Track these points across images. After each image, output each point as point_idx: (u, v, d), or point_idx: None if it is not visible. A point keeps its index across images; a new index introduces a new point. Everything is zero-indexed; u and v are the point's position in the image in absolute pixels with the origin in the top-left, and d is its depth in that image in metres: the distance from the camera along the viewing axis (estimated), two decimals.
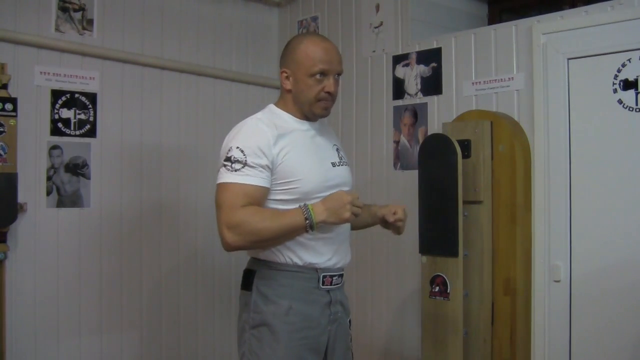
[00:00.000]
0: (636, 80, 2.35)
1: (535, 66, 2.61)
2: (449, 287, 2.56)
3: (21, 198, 2.83)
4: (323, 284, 1.92)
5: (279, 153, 1.85)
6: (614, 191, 2.42)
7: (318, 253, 1.90)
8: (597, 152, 2.46)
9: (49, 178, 2.96)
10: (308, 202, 1.82)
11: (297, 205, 1.83)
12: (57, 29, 2.99)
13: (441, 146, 2.59)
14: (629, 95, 2.38)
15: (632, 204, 2.37)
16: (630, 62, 2.36)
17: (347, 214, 1.80)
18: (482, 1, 3.52)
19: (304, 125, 1.97)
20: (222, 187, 1.82)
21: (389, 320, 3.23)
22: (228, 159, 1.82)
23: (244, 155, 1.81)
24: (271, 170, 1.85)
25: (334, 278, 1.96)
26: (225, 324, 3.53)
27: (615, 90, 2.40)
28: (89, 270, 3.08)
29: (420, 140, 3.00)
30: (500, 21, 3.35)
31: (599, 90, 2.44)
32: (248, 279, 1.94)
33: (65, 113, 3.01)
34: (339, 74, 1.95)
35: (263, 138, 1.84)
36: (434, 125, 3.01)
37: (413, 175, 2.87)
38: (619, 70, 2.39)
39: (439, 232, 2.58)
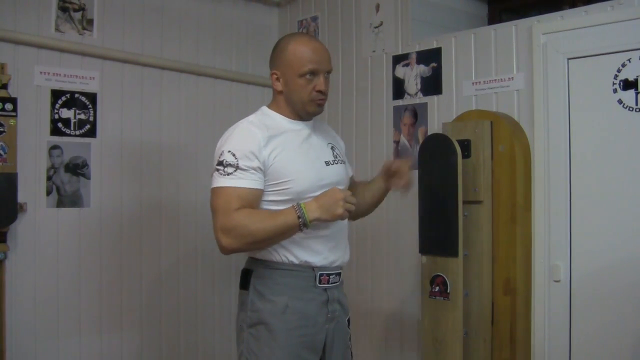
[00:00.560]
0: (636, 80, 2.35)
1: (535, 66, 2.61)
2: (449, 287, 2.56)
3: (21, 198, 2.83)
4: (320, 283, 1.93)
5: (269, 154, 1.85)
6: (614, 191, 2.42)
7: (314, 251, 1.91)
8: (597, 152, 2.46)
9: (49, 178, 2.96)
10: (301, 202, 1.82)
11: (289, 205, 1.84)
12: (57, 29, 2.99)
13: (441, 146, 2.59)
14: (629, 95, 2.37)
15: (632, 204, 2.37)
16: (630, 62, 2.36)
17: (340, 210, 1.80)
18: (482, 1, 3.52)
19: (297, 126, 1.98)
20: (215, 191, 1.84)
21: (388, 320, 3.23)
22: (220, 163, 1.84)
23: (236, 158, 1.82)
24: (263, 172, 1.85)
25: (331, 276, 1.96)
26: (225, 323, 3.53)
27: (615, 90, 2.40)
28: (89, 270, 3.08)
29: (420, 140, 3.00)
30: (500, 21, 3.34)
31: (599, 90, 2.44)
32: (245, 278, 1.96)
33: (65, 113, 3.01)
34: (328, 72, 1.96)
35: (254, 140, 1.85)
36: (434, 125, 3.01)
37: (413, 176, 2.86)
38: (619, 70, 2.39)
39: (439, 232, 2.58)
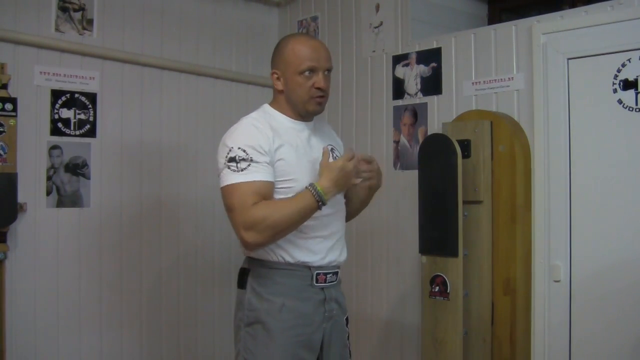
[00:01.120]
0: (636, 80, 2.35)
1: (535, 66, 2.61)
2: (449, 287, 2.56)
3: (21, 198, 2.83)
4: (317, 282, 1.93)
5: (275, 151, 1.86)
6: (614, 191, 2.42)
7: (311, 252, 1.92)
8: (597, 152, 2.46)
9: (49, 178, 2.96)
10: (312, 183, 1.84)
11: None
12: (57, 29, 2.99)
13: (441, 146, 2.59)
14: (629, 95, 2.37)
15: (632, 204, 2.37)
16: (630, 62, 2.36)
17: (354, 180, 1.88)
18: (482, 1, 3.52)
19: (298, 126, 1.98)
20: (230, 188, 1.82)
21: (388, 320, 3.23)
22: (232, 159, 1.82)
23: (247, 153, 1.82)
24: (272, 166, 1.86)
25: (328, 276, 1.96)
26: (224, 322, 3.52)
27: (615, 90, 2.40)
28: (89, 270, 3.08)
29: (420, 140, 3.00)
30: (500, 21, 3.34)
31: (599, 90, 2.44)
32: (243, 278, 1.96)
33: (65, 113, 3.01)
34: (328, 70, 1.96)
35: (262, 136, 1.86)
36: (434, 125, 3.01)
37: (413, 175, 2.87)
38: (618, 70, 2.39)
39: (439, 232, 2.58)
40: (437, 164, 2.59)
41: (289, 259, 1.90)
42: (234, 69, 3.65)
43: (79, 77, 3.05)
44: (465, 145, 2.61)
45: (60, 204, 2.99)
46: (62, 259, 3.00)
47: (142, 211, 3.27)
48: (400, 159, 3.18)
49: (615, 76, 2.40)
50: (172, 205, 3.38)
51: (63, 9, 3.01)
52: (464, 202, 2.56)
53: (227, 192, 1.83)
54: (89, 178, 3.09)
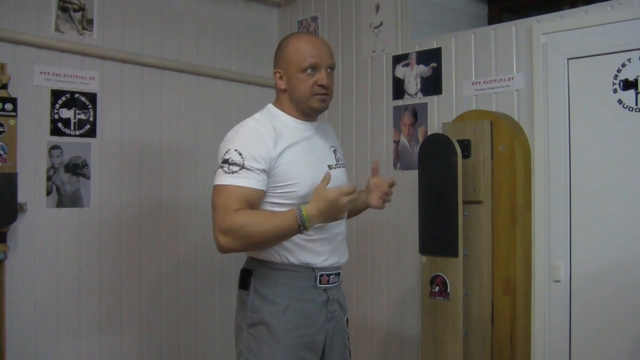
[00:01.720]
0: (636, 80, 2.35)
1: (535, 66, 2.61)
2: (449, 287, 2.56)
3: (21, 198, 2.83)
4: (320, 283, 1.93)
5: (277, 157, 1.85)
6: (614, 191, 2.42)
7: (315, 253, 1.91)
8: (597, 152, 2.46)
9: (49, 178, 2.96)
10: (302, 205, 1.79)
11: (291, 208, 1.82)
12: (57, 29, 2.99)
13: (441, 146, 2.59)
14: (629, 95, 2.37)
15: (632, 204, 2.37)
16: (630, 62, 2.36)
17: (342, 215, 1.81)
18: (482, 1, 3.52)
19: (302, 126, 1.97)
20: (218, 189, 1.83)
21: (388, 320, 3.23)
22: (225, 160, 1.82)
23: (242, 158, 1.81)
24: (268, 174, 1.84)
25: (331, 277, 1.96)
26: (224, 323, 3.52)
27: (615, 90, 2.40)
28: (89, 270, 3.08)
29: (420, 140, 3.00)
30: (500, 21, 3.35)
31: (599, 90, 2.44)
32: (245, 278, 1.95)
33: (65, 113, 3.01)
34: (331, 68, 1.94)
35: (262, 142, 1.84)
36: (434, 125, 3.01)
37: (413, 175, 2.87)
38: (618, 70, 2.39)
39: (439, 232, 2.58)
40: (437, 164, 2.59)
41: (293, 260, 1.89)
42: (234, 69, 3.65)
43: (79, 77, 3.05)
44: (465, 145, 2.61)
45: (60, 204, 2.99)
46: (62, 259, 3.00)
47: (142, 211, 3.27)
48: (400, 159, 3.18)
49: (615, 76, 2.40)
50: (172, 205, 3.38)
51: (63, 9, 3.01)
52: (464, 202, 2.56)
53: (215, 191, 1.84)
54: (89, 178, 3.09)
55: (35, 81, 2.92)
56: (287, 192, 1.86)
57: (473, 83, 2.87)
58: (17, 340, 2.83)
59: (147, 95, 3.30)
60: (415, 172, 2.76)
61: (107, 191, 3.14)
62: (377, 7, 3.30)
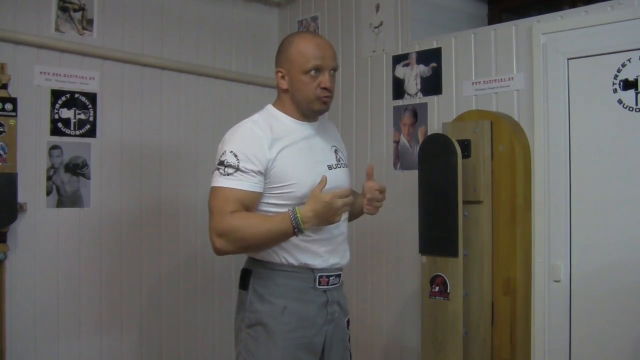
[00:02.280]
0: (636, 80, 2.35)
1: (535, 66, 2.61)
2: (449, 287, 2.56)
3: (21, 198, 2.83)
4: (319, 284, 1.92)
5: (273, 158, 1.84)
6: (614, 191, 2.42)
7: (314, 254, 1.90)
8: (597, 152, 2.46)
9: (48, 178, 2.96)
10: (297, 207, 1.79)
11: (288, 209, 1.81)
12: (57, 29, 2.99)
13: (441, 146, 2.59)
14: (629, 95, 2.37)
15: (632, 204, 2.37)
16: (630, 62, 2.36)
17: (337, 218, 1.80)
18: (482, 1, 3.52)
19: (301, 127, 1.96)
20: (214, 191, 1.83)
21: (388, 320, 3.23)
22: (221, 162, 1.83)
23: (237, 160, 1.81)
24: (264, 176, 1.84)
25: (331, 278, 1.95)
26: (225, 324, 3.52)
27: (615, 90, 2.40)
28: (89, 270, 3.08)
29: (420, 140, 3.00)
30: (500, 21, 3.35)
31: (599, 90, 2.44)
32: (245, 279, 1.95)
33: (65, 113, 3.01)
34: (334, 70, 1.93)
35: (257, 143, 1.83)
36: (434, 125, 3.01)
37: (413, 175, 2.87)
38: (619, 70, 2.39)
39: (439, 232, 2.58)
40: (437, 164, 2.59)
41: (292, 261, 1.89)
42: (234, 69, 3.65)
43: (79, 77, 3.05)
44: (465, 145, 2.61)
45: (60, 204, 2.99)
46: (62, 259, 3.00)
47: (142, 211, 3.27)
48: (400, 159, 3.18)
49: (615, 76, 2.40)
50: (172, 205, 3.38)
51: (63, 9, 3.01)
52: (464, 202, 2.56)
53: (211, 193, 1.84)
54: (89, 178, 3.08)
55: (35, 81, 2.92)
56: (285, 192, 1.86)
57: (473, 83, 2.87)
58: (17, 340, 2.83)
59: (147, 95, 3.30)
60: (415, 172, 2.76)
61: (107, 191, 3.14)
62: (377, 7, 3.30)
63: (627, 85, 2.37)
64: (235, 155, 1.81)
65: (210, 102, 3.55)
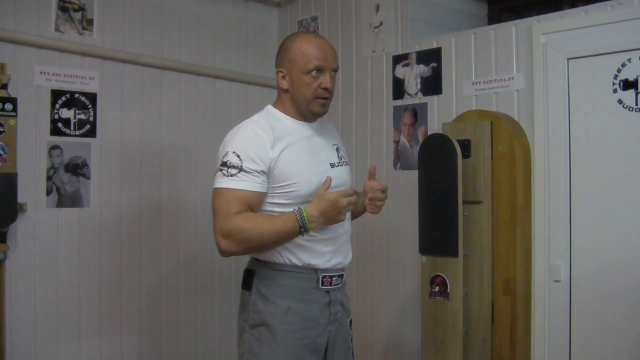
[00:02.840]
0: (636, 80, 2.35)
1: (535, 66, 2.61)
2: (448, 287, 2.56)
3: (21, 198, 2.83)
4: (322, 285, 1.92)
5: (275, 157, 1.84)
6: (614, 191, 2.42)
7: (317, 254, 1.90)
8: (597, 152, 2.46)
9: (48, 178, 2.96)
10: (302, 205, 1.80)
11: (292, 209, 1.82)
12: (57, 29, 2.99)
13: (441, 146, 2.59)
14: (629, 95, 2.37)
15: (632, 204, 2.37)
16: (630, 62, 2.36)
17: (342, 217, 1.81)
18: (482, 1, 3.52)
19: (302, 127, 1.96)
20: (217, 192, 1.82)
21: (388, 320, 3.23)
22: (224, 163, 1.82)
23: (240, 160, 1.81)
24: (267, 175, 1.84)
25: (334, 278, 1.96)
26: (225, 324, 3.52)
27: (615, 90, 2.40)
28: (89, 270, 3.08)
29: (420, 140, 3.00)
30: (500, 21, 3.35)
31: (599, 90, 2.44)
32: (248, 279, 1.95)
33: (65, 113, 3.01)
34: (334, 71, 1.94)
35: (259, 143, 1.83)
36: (434, 125, 3.01)
37: (413, 175, 2.87)
38: (619, 70, 2.39)
39: (439, 232, 2.58)
40: (437, 164, 2.59)
41: (295, 261, 1.89)
42: (234, 69, 3.65)
43: (79, 77, 3.06)
44: (465, 145, 2.61)
45: (60, 204, 2.99)
46: (62, 259, 3.00)
47: (142, 211, 3.27)
48: (400, 159, 3.18)
49: (615, 76, 2.40)
50: (172, 205, 3.38)
51: (63, 9, 3.01)
52: (464, 202, 2.56)
53: (214, 194, 1.83)
54: (89, 178, 3.09)
55: (35, 81, 2.92)
56: (288, 191, 1.86)
57: (473, 83, 2.87)
58: (17, 341, 2.83)
59: (147, 95, 3.30)
60: (415, 172, 2.76)
61: (107, 191, 3.14)
62: (377, 7, 3.30)
63: (627, 85, 2.37)
64: (238, 156, 1.81)
65: (210, 102, 3.55)
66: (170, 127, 3.39)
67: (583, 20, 2.49)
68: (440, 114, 3.00)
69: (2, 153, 2.76)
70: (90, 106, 3.09)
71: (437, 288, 2.59)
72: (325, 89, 1.91)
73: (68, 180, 3.02)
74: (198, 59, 3.50)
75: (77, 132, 3.05)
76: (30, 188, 2.89)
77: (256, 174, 1.81)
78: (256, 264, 1.95)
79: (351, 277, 3.29)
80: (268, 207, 1.87)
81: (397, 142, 3.20)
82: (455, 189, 2.52)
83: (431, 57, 3.05)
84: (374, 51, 3.32)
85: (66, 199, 3.01)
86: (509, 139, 2.59)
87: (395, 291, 3.19)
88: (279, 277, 1.90)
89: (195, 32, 3.50)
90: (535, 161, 2.60)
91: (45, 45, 2.93)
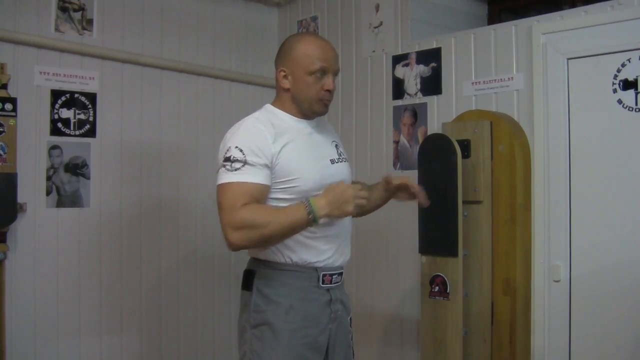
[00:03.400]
0: (636, 80, 2.35)
1: (535, 66, 2.61)
2: (448, 287, 2.56)
3: (21, 198, 2.83)
4: (323, 283, 1.93)
5: (277, 153, 1.84)
6: (614, 191, 2.42)
7: (319, 251, 1.91)
8: (597, 152, 2.46)
9: (48, 178, 2.96)
10: (310, 197, 1.80)
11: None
12: (57, 29, 2.99)
13: (441, 146, 2.59)
14: (628, 95, 2.38)
15: (632, 204, 2.37)
16: (630, 62, 2.36)
17: (350, 208, 1.78)
18: (482, 1, 3.52)
19: (301, 124, 1.97)
20: (222, 187, 1.81)
21: (388, 319, 3.23)
22: (227, 159, 1.81)
23: (243, 154, 1.80)
24: (270, 169, 1.84)
25: (334, 276, 1.96)
26: (225, 324, 3.53)
27: (615, 90, 2.40)
28: (89, 270, 3.08)
29: (420, 140, 3.00)
30: (500, 21, 3.35)
31: (599, 90, 2.44)
32: (248, 279, 1.95)
33: (65, 113, 3.01)
34: (336, 73, 1.96)
35: (261, 137, 1.84)
36: (434, 125, 3.01)
37: (413, 175, 2.85)
38: (618, 70, 2.39)
39: (439, 232, 2.57)
40: (437, 164, 2.59)
41: (296, 259, 1.89)
42: (234, 69, 3.65)
43: (78, 77, 3.06)
44: (465, 145, 2.61)
45: (60, 204, 2.99)
46: (62, 259, 3.00)
47: (142, 211, 3.27)
48: (400, 159, 3.18)
49: (615, 76, 2.40)
50: (172, 205, 3.38)
51: (63, 9, 3.01)
52: (464, 202, 2.56)
53: (219, 190, 1.82)
54: (89, 178, 3.09)
55: (35, 81, 2.92)
56: (290, 187, 1.86)
57: (473, 83, 2.87)
58: (17, 340, 2.83)
59: (146, 95, 3.30)
60: (415, 172, 2.75)
61: (107, 191, 3.14)
62: (377, 7, 3.30)
63: (627, 85, 2.37)
64: (241, 150, 1.81)
65: (210, 102, 3.55)
66: (170, 127, 3.39)
67: (583, 20, 2.50)
68: (440, 114, 3.00)
69: (2, 153, 2.76)
70: (90, 106, 3.09)
71: (437, 288, 2.59)
72: (328, 90, 1.92)
73: (68, 180, 3.02)
74: (198, 59, 3.50)
75: (77, 132, 3.05)
76: (30, 188, 2.89)
77: (260, 166, 1.81)
78: (256, 264, 1.95)
79: (351, 277, 3.29)
80: (271, 203, 1.87)
81: (397, 142, 3.20)
82: (455, 189, 2.52)
83: (431, 57, 3.05)
84: (373, 51, 3.32)
85: (66, 199, 3.01)
86: (509, 139, 2.59)
87: (395, 291, 3.19)
88: (280, 276, 1.90)
89: (195, 32, 3.50)
90: (535, 161, 2.60)
91: (45, 45, 2.93)
